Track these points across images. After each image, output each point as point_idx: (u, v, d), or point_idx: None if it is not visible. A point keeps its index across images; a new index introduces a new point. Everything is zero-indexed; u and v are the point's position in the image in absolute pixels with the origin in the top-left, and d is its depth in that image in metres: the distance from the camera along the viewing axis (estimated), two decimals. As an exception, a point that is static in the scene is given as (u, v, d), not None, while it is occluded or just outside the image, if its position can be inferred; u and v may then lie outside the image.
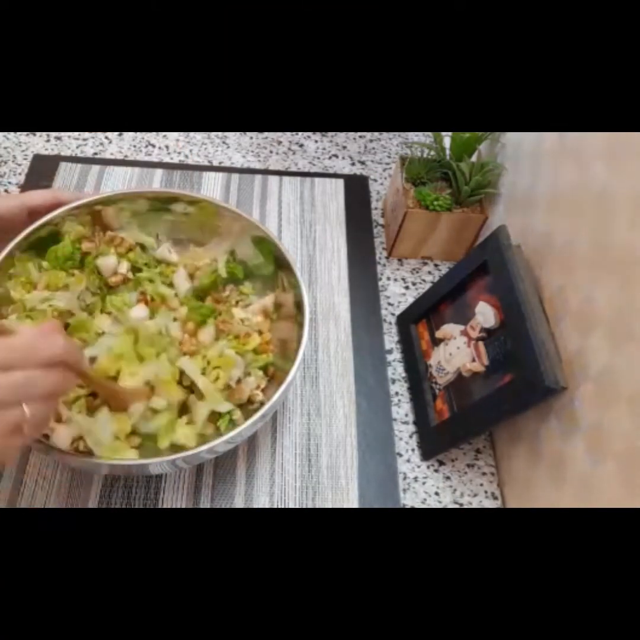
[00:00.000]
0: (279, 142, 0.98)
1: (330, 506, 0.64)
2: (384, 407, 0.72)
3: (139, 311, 0.66)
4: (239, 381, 0.63)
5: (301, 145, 0.98)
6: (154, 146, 0.96)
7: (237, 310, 0.69)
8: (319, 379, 0.73)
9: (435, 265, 0.86)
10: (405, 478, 0.68)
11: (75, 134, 0.95)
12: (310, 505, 0.64)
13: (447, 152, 0.80)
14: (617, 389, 0.50)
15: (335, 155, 0.97)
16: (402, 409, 0.73)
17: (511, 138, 0.76)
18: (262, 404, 0.61)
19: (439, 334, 0.72)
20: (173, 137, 0.97)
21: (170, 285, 0.69)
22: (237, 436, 0.54)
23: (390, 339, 0.79)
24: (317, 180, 0.92)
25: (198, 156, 0.95)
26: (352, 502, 0.65)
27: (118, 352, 0.60)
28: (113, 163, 0.91)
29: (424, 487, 0.68)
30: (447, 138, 0.81)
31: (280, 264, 0.67)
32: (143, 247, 0.71)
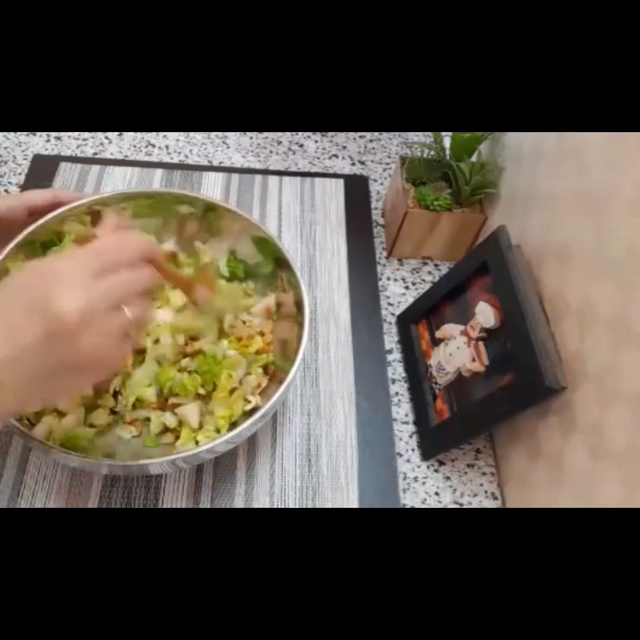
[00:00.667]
0: (279, 142, 0.98)
1: (330, 506, 0.64)
2: (384, 407, 0.72)
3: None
4: (240, 381, 0.63)
5: (301, 145, 0.98)
6: (154, 146, 0.96)
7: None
8: (319, 379, 0.73)
9: (435, 265, 0.86)
10: (405, 478, 0.68)
11: (75, 134, 0.95)
12: (310, 505, 0.64)
13: (447, 152, 0.80)
14: (617, 389, 0.50)
15: (335, 155, 0.97)
16: (402, 409, 0.73)
17: (511, 138, 0.76)
18: (257, 407, 0.61)
19: (439, 334, 0.72)
20: (173, 137, 0.97)
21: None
22: (237, 436, 0.54)
23: (390, 339, 0.78)
24: (317, 180, 0.92)
25: (198, 156, 0.95)
26: (352, 502, 0.65)
27: None
28: (113, 163, 0.91)
29: (424, 487, 0.68)
30: (447, 138, 0.81)
31: (280, 264, 0.66)
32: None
